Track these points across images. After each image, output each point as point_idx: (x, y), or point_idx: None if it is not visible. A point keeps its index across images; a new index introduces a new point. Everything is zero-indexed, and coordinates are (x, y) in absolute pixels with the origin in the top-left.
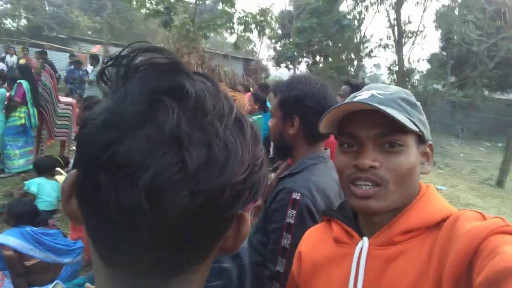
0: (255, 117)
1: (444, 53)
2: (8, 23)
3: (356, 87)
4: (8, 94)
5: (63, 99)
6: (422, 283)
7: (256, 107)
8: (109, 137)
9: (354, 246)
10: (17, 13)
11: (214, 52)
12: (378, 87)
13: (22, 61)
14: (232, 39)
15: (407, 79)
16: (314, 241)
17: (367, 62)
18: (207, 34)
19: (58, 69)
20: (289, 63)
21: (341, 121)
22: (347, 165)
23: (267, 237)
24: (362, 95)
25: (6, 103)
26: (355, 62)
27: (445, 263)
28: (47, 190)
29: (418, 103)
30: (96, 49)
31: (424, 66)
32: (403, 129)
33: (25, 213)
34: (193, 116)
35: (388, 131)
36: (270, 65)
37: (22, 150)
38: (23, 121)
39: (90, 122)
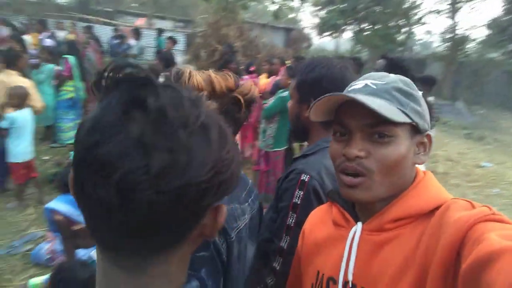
0: (285, 93)
1: (507, 18)
2: None
3: (392, 62)
4: (57, 68)
5: None
6: (407, 268)
7: (289, 82)
8: (91, 141)
9: (350, 229)
10: None
11: (254, 22)
12: (374, 77)
13: (70, 36)
14: (273, 7)
15: (459, 47)
16: (317, 221)
17: (418, 29)
18: (247, 4)
19: (104, 43)
20: (333, 31)
21: (336, 110)
22: (338, 153)
23: (277, 214)
24: (357, 85)
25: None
26: (404, 29)
27: (433, 251)
28: None
29: (416, 93)
30: (140, 22)
31: (481, 33)
32: (393, 121)
33: None
34: (157, 125)
35: (377, 122)
36: (314, 34)
37: (74, 123)
38: (72, 94)
39: (81, 127)
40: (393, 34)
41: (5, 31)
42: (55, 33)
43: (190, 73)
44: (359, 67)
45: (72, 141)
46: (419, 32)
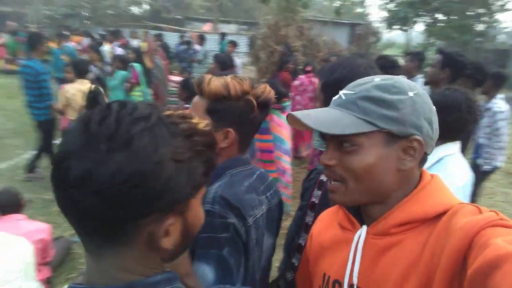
0: None
1: None
2: (134, 9)
3: (448, 56)
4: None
5: (173, 78)
6: (411, 273)
7: None
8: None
9: (355, 232)
10: (139, 0)
11: (318, 20)
12: (352, 85)
13: (143, 44)
14: (336, 3)
15: None
16: (325, 224)
17: (504, 17)
18: (307, 3)
19: (172, 49)
20: (403, 24)
21: None
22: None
23: (301, 213)
24: (336, 96)
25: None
26: (484, 18)
27: (439, 256)
28: None
29: (394, 97)
30: (207, 27)
31: None
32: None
33: None
34: (86, 139)
35: (338, 134)
36: (382, 28)
37: None
38: (140, 99)
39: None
40: (471, 24)
41: (86, 42)
42: (129, 42)
43: (209, 79)
44: (420, 62)
45: None
46: (505, 20)
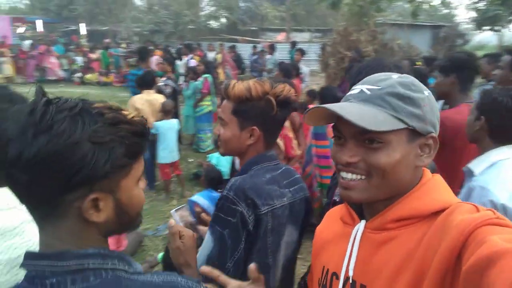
0: None
1: None
2: (212, 23)
3: None
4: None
5: None
6: (405, 268)
7: None
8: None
9: (354, 227)
10: (217, 14)
11: (393, 23)
12: (371, 81)
13: (218, 56)
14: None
15: None
16: (330, 220)
17: None
18: (380, 7)
19: (245, 59)
20: (495, 24)
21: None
22: (335, 156)
23: None
24: (353, 91)
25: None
26: None
27: (434, 252)
28: (223, 162)
29: (416, 95)
30: (281, 36)
31: None
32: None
33: (215, 178)
34: (20, 127)
35: (366, 130)
36: (471, 29)
37: (212, 133)
38: (210, 108)
39: None
40: None
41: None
42: (206, 54)
43: (234, 84)
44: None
45: (209, 148)
46: None
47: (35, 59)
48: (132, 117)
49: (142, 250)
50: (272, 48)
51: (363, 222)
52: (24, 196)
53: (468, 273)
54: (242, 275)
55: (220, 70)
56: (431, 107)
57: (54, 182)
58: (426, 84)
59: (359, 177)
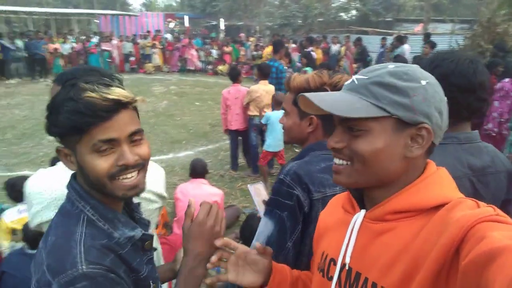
0: None
1: None
2: (342, 15)
3: None
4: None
5: None
6: (400, 259)
7: None
8: None
9: (354, 215)
10: (347, 6)
11: None
12: (366, 71)
13: (342, 49)
14: None
15: None
16: (332, 206)
17: None
18: None
19: (374, 52)
20: None
21: None
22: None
23: None
24: (348, 80)
25: None
26: None
27: (431, 246)
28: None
29: (407, 84)
30: (419, 27)
31: None
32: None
33: None
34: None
35: (347, 117)
36: None
37: None
38: None
39: None
40: None
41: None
42: (331, 47)
43: (294, 76)
44: None
45: None
46: None
47: (179, 51)
48: (88, 97)
49: (238, 224)
50: (399, 40)
51: (363, 211)
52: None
53: (467, 269)
54: (298, 255)
55: (341, 63)
56: (425, 97)
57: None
58: None
59: (344, 162)
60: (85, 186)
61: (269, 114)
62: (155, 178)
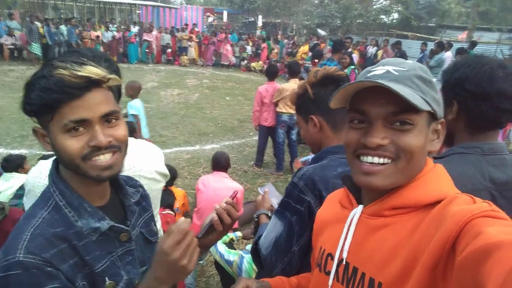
0: None
1: None
2: (383, 18)
3: None
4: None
5: None
6: (397, 254)
7: None
8: None
9: (351, 211)
10: (389, 8)
11: None
12: (393, 63)
13: (379, 52)
14: None
15: None
16: (329, 202)
17: None
18: None
19: (413, 57)
20: None
21: (352, 97)
22: (356, 140)
23: None
24: (377, 71)
25: None
26: None
27: (428, 241)
28: None
29: (433, 80)
30: (463, 35)
31: None
32: (415, 109)
33: None
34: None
35: (401, 110)
36: None
37: None
38: None
39: None
40: None
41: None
42: (367, 49)
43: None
44: None
45: None
46: None
47: (214, 45)
48: (59, 74)
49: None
50: (440, 46)
51: (360, 207)
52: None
53: (463, 264)
54: (304, 257)
55: None
56: (440, 93)
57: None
58: None
59: (386, 160)
60: (63, 169)
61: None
62: (157, 158)
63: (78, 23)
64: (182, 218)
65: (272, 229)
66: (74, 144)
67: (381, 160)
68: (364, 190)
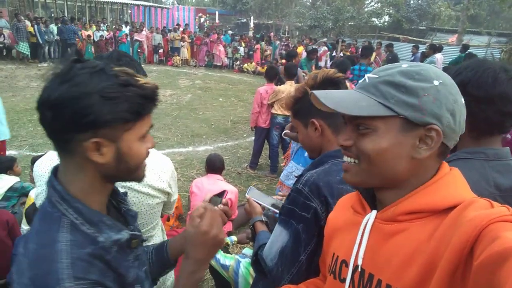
0: None
1: None
2: (374, 21)
3: None
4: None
5: None
6: (414, 260)
7: None
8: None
9: (365, 216)
10: (380, 11)
11: None
12: (379, 70)
13: (373, 54)
14: None
15: None
16: (341, 207)
17: None
18: None
19: (405, 59)
20: None
21: None
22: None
23: None
24: (362, 79)
25: None
26: None
27: (445, 246)
28: None
29: (416, 84)
30: (453, 38)
31: None
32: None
33: None
34: (53, 77)
35: (355, 116)
36: None
37: None
38: None
39: None
40: None
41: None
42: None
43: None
44: None
45: None
46: None
47: (207, 46)
48: (144, 83)
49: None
50: (432, 48)
51: (374, 212)
52: (48, 130)
53: (480, 269)
54: (311, 264)
55: (372, 67)
56: (436, 97)
57: (68, 121)
58: None
59: (352, 160)
60: (76, 185)
61: None
62: (156, 173)
63: (69, 22)
64: (208, 197)
65: (277, 239)
66: (144, 149)
67: (349, 160)
68: (377, 195)
